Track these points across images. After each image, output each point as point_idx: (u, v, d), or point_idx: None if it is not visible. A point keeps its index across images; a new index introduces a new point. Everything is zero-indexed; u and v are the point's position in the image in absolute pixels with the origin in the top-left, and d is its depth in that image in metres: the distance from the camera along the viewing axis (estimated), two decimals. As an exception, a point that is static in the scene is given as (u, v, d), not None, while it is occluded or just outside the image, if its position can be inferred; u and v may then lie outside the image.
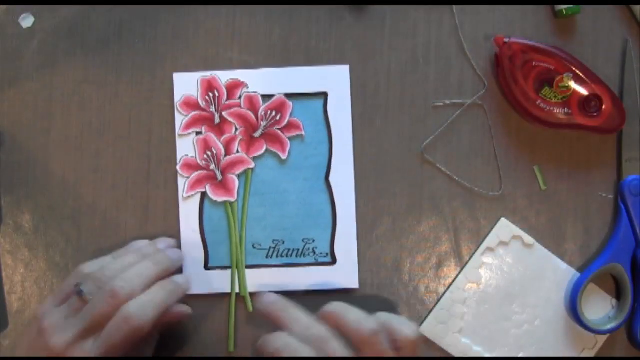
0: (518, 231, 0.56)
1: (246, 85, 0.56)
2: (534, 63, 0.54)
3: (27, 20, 0.57)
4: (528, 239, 0.56)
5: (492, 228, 0.56)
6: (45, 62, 0.57)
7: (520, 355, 0.56)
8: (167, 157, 0.57)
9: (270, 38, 0.57)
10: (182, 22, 0.57)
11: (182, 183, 0.56)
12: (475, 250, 0.56)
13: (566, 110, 0.54)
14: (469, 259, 0.56)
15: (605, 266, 0.55)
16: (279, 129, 0.56)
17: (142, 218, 0.57)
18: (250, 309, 0.56)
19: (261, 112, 0.56)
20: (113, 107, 0.57)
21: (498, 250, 0.56)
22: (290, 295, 0.55)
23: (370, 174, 0.56)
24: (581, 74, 0.54)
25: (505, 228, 0.56)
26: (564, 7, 0.56)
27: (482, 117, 0.57)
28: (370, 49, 0.57)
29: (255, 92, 0.56)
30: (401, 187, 0.57)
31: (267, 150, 0.56)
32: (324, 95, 0.56)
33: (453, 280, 0.56)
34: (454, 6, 0.57)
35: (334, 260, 0.56)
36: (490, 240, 0.56)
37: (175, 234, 0.56)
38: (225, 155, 0.56)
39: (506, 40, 0.54)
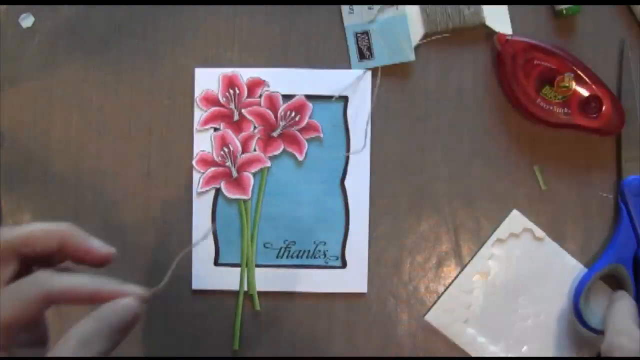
0: (529, 224, 0.56)
1: (267, 84, 0.56)
2: (535, 62, 0.54)
3: (27, 20, 0.57)
4: (539, 232, 0.56)
5: (492, 228, 0.56)
6: (45, 62, 0.57)
7: (524, 349, 0.56)
8: (167, 157, 0.57)
9: (270, 38, 0.57)
10: (182, 22, 0.57)
11: (197, 178, 0.56)
12: (485, 242, 0.56)
13: (566, 110, 0.54)
14: (478, 249, 0.56)
15: (607, 267, 0.54)
16: (297, 130, 0.56)
17: (142, 218, 0.57)
18: (258, 308, 0.56)
19: (281, 112, 0.56)
20: (113, 107, 0.57)
21: (508, 241, 0.56)
22: (299, 296, 0.56)
23: (370, 173, 0.56)
24: (582, 75, 0.54)
25: (516, 220, 0.56)
26: (564, 7, 0.56)
27: (482, 117, 0.57)
28: (370, 49, 0.57)
29: (276, 91, 0.56)
30: (401, 187, 0.57)
31: (284, 150, 0.56)
32: (344, 99, 0.56)
33: (460, 272, 0.56)
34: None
35: (344, 264, 0.56)
36: (501, 231, 0.56)
37: (175, 234, 0.56)
38: (242, 153, 0.56)
39: (508, 38, 0.54)
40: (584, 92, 0.54)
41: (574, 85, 0.54)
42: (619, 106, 0.54)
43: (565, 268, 0.56)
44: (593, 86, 0.54)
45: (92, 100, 0.57)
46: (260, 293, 0.56)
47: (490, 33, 0.56)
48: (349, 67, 0.57)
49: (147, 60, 0.57)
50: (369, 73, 0.56)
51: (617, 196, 0.56)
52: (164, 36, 0.57)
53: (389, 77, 0.57)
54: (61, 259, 0.41)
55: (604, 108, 0.54)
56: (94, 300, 0.39)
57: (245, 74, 0.56)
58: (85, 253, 0.41)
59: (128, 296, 0.40)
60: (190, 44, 0.57)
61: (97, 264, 0.42)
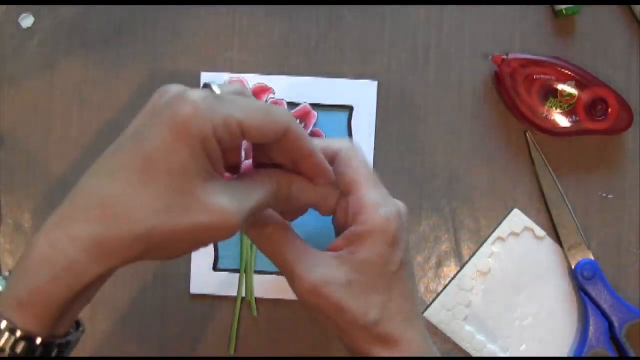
0: (530, 223, 0.56)
1: (273, 92, 0.56)
2: (535, 76, 0.54)
3: (27, 20, 0.57)
4: (539, 231, 0.56)
5: (492, 228, 0.56)
6: (45, 62, 0.57)
7: (523, 347, 0.56)
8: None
9: (270, 38, 0.57)
10: (182, 22, 0.57)
11: None
12: (486, 240, 0.56)
13: (574, 117, 0.54)
14: (479, 248, 0.56)
15: (590, 352, 0.55)
16: None
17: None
18: (255, 314, 0.56)
19: None
20: (113, 107, 0.57)
21: (509, 240, 0.56)
22: (297, 303, 0.56)
23: (370, 174, 0.57)
24: (583, 80, 0.54)
25: (517, 219, 0.56)
26: (564, 7, 0.56)
27: (482, 117, 0.57)
28: (370, 49, 0.57)
29: (282, 99, 0.56)
30: (401, 187, 0.57)
31: None
32: (349, 108, 0.56)
33: (460, 270, 0.56)
34: (455, 6, 0.57)
35: None
36: (502, 230, 0.56)
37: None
38: (245, 159, 0.56)
39: (504, 57, 0.54)
40: (589, 97, 0.54)
41: (577, 92, 0.54)
42: (625, 103, 0.54)
43: (565, 267, 0.56)
44: (596, 89, 0.54)
45: (92, 100, 0.57)
46: (258, 299, 0.56)
47: (489, 34, 0.57)
48: (348, 67, 0.57)
49: (147, 60, 0.57)
50: (375, 83, 0.56)
51: (576, 287, 0.56)
52: (163, 36, 0.57)
53: (389, 76, 0.57)
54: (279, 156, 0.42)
55: (610, 108, 0.54)
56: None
57: (251, 79, 0.56)
58: (308, 158, 0.41)
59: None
60: (190, 44, 0.57)
61: (317, 177, 0.43)
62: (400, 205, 0.45)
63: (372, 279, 0.43)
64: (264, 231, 0.43)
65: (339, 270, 0.43)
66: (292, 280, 0.43)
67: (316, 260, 0.43)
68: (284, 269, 0.43)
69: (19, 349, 0.36)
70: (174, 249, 0.38)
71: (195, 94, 0.36)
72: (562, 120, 0.54)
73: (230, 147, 0.39)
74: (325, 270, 0.43)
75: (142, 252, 0.36)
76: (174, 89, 0.38)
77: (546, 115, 0.54)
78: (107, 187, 0.36)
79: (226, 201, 0.37)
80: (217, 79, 0.56)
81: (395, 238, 0.43)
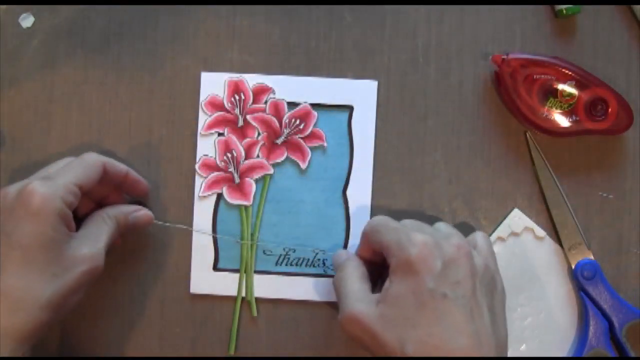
0: (530, 223, 0.56)
1: (273, 92, 0.56)
2: (535, 76, 0.54)
3: (27, 20, 0.57)
4: (539, 231, 0.56)
5: (492, 228, 0.56)
6: (45, 62, 0.57)
7: (523, 347, 0.56)
8: (167, 158, 0.57)
9: (270, 38, 0.57)
10: (182, 22, 0.57)
11: (200, 183, 0.56)
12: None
13: (574, 117, 0.54)
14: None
15: (590, 352, 0.55)
16: (301, 138, 0.56)
17: (142, 218, 0.57)
18: (255, 314, 0.56)
19: (285, 119, 0.56)
20: (113, 107, 0.57)
21: (509, 240, 0.56)
22: (297, 304, 0.56)
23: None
24: (583, 80, 0.54)
25: (517, 219, 0.56)
26: (564, 7, 0.56)
27: (482, 117, 0.57)
28: (370, 49, 0.57)
29: (282, 99, 0.56)
30: (401, 187, 0.57)
31: (287, 158, 0.56)
32: (349, 108, 0.56)
33: None
34: (455, 6, 0.57)
35: None
36: (502, 230, 0.56)
37: (175, 237, 0.56)
38: (245, 159, 0.56)
39: (504, 57, 0.54)
40: (589, 97, 0.54)
41: (576, 93, 0.54)
42: (625, 103, 0.54)
43: (565, 268, 0.56)
44: (596, 89, 0.54)
45: (92, 100, 0.57)
46: (258, 299, 0.56)
47: (489, 33, 0.57)
48: (348, 67, 0.57)
49: (147, 61, 0.57)
50: (375, 83, 0.56)
51: (576, 287, 0.56)
52: (163, 36, 0.57)
53: (389, 76, 0.57)
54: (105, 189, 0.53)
55: (610, 108, 0.54)
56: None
57: (251, 79, 0.56)
58: (125, 176, 0.53)
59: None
60: (190, 44, 0.57)
61: (137, 189, 0.54)
62: (425, 237, 0.46)
63: (405, 312, 0.44)
64: (341, 265, 0.50)
65: (375, 306, 0.46)
66: (339, 311, 0.47)
67: (361, 297, 0.47)
68: (338, 301, 0.49)
69: None
70: (72, 301, 0.47)
71: (34, 184, 0.46)
72: (562, 120, 0.54)
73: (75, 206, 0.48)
74: (364, 306, 0.46)
75: (52, 316, 0.45)
76: (13, 188, 0.47)
77: (546, 115, 0.54)
78: (1, 282, 0.45)
79: (88, 249, 0.48)
80: (217, 79, 0.56)
81: (412, 266, 0.45)
